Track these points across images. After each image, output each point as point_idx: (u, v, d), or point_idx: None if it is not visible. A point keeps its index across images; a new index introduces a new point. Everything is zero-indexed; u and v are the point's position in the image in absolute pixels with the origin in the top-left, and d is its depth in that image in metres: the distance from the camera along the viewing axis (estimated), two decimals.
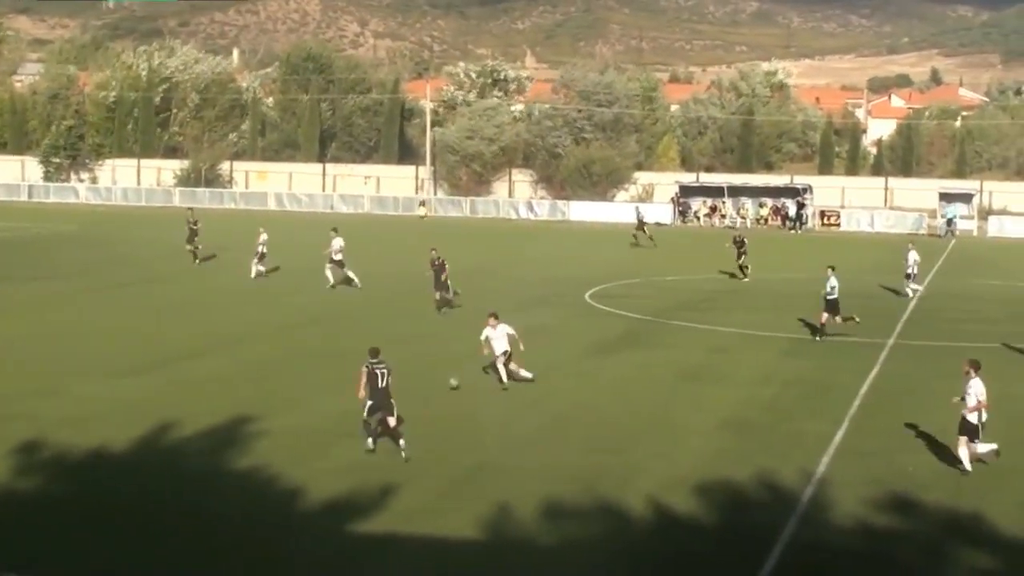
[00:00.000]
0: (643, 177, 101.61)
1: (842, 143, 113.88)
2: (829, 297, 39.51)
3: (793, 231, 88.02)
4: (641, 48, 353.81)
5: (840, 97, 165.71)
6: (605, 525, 21.21)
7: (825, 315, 39.53)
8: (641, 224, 73.25)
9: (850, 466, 24.83)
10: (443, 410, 28.90)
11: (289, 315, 43.41)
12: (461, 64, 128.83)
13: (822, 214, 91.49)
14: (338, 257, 50.13)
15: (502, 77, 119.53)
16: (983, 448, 24.77)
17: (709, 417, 28.76)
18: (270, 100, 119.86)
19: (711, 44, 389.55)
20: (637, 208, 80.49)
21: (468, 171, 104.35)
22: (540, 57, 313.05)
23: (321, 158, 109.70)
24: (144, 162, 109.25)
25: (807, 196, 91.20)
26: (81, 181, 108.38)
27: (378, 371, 25.23)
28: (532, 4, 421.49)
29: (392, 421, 25.03)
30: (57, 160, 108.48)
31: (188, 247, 57.46)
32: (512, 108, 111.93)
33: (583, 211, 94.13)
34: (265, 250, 52.79)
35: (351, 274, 49.93)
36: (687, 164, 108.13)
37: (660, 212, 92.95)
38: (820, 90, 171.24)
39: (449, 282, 44.36)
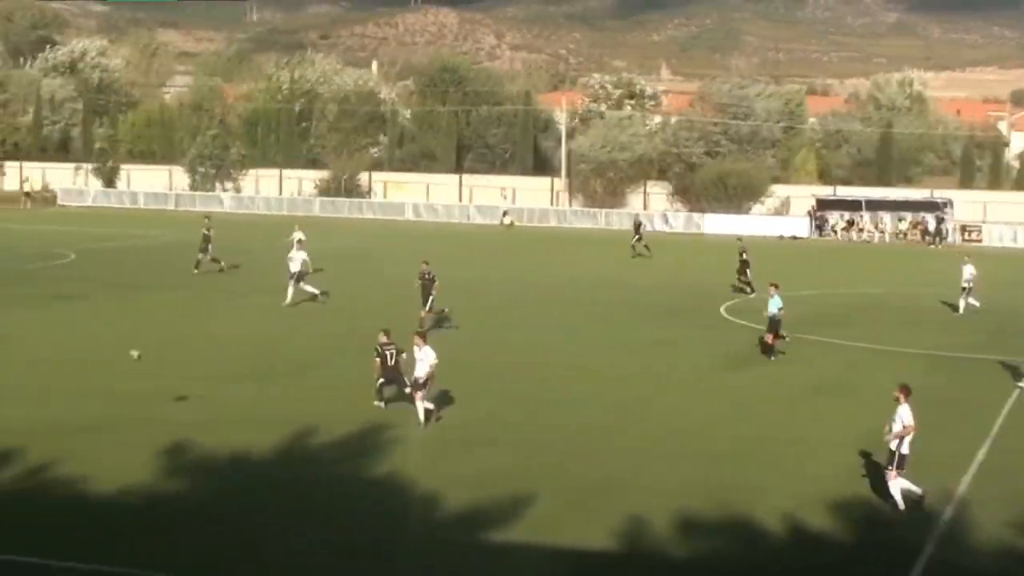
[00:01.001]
0: (779, 190, 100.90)
1: (984, 156, 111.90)
2: (773, 316, 38.59)
3: (933, 246, 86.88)
4: (778, 60, 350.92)
5: (982, 109, 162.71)
6: (737, 540, 21.20)
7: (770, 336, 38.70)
8: (638, 232, 72.84)
9: (992, 486, 24.45)
10: (568, 421, 29.09)
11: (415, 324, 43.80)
12: (596, 76, 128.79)
13: (963, 229, 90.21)
14: (296, 269, 47.93)
15: (637, 90, 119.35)
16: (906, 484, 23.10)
17: (842, 433, 28.55)
18: (408, 112, 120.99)
19: (849, 56, 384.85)
20: (636, 216, 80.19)
21: (603, 183, 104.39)
22: (675, 69, 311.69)
23: (457, 169, 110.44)
24: (286, 172, 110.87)
25: (947, 210, 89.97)
26: (225, 190, 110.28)
27: (387, 352, 29.55)
28: (668, 16, 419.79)
29: (407, 390, 28.82)
30: (202, 170, 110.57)
31: (199, 255, 56.83)
32: (647, 120, 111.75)
33: (718, 224, 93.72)
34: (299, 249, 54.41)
35: (310, 288, 48.14)
36: (824, 177, 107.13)
37: (796, 225, 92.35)
38: (961, 102, 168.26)
39: (434, 298, 42.60)
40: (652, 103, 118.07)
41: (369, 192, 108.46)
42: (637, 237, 72.18)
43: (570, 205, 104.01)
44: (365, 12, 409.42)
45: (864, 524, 22.19)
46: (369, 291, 52.93)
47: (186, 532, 21.04)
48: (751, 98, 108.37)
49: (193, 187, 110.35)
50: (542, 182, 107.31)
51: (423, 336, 29.57)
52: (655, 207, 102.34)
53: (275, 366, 35.37)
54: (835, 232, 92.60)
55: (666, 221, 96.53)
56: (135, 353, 30.91)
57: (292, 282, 47.49)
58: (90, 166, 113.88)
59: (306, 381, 33.24)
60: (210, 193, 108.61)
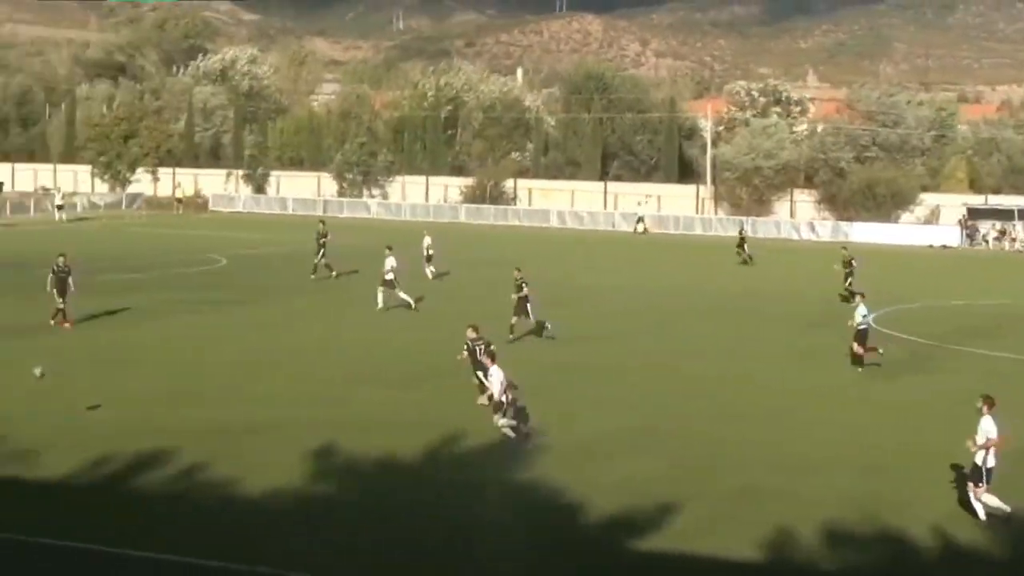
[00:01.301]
0: (929, 199, 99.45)
1: None
2: (859, 325, 37.62)
3: None
4: (927, 66, 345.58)
5: None
6: (887, 553, 20.95)
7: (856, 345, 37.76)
8: (742, 239, 72.25)
9: None
10: (713, 430, 28.98)
11: (569, 327, 43.85)
12: (742, 83, 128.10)
13: None
14: (389, 277, 48.11)
15: (783, 97, 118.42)
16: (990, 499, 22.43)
17: None
18: (552, 119, 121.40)
19: (1000, 62, 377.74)
20: (741, 223, 79.33)
21: (748, 190, 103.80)
22: (822, 76, 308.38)
23: (602, 176, 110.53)
24: (432, 179, 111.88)
25: None
26: (372, 197, 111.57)
27: (476, 347, 30.53)
28: (814, 23, 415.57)
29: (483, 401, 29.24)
30: (350, 176, 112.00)
31: (314, 260, 57.30)
32: (794, 128, 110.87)
33: (866, 232, 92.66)
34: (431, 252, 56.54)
35: (403, 295, 48.05)
36: (975, 186, 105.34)
37: (947, 235, 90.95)
38: None
39: (531, 306, 41.64)
40: (798, 110, 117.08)
41: (514, 199, 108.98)
42: (741, 243, 71.84)
43: (715, 213, 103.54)
44: (510, 20, 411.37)
45: (1018, 539, 21.84)
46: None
47: (333, 533, 21.36)
48: (901, 106, 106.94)
49: (341, 193, 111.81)
50: (687, 189, 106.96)
51: (491, 356, 28.68)
52: (801, 215, 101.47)
53: (415, 371, 35.72)
54: (986, 242, 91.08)
55: (812, 229, 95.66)
56: (37, 371, 30.68)
57: (384, 288, 47.69)
58: (240, 172, 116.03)
59: (446, 385, 33.51)
60: (357, 199, 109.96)
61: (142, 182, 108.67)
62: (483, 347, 30.37)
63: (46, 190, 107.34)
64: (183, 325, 43.52)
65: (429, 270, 58.32)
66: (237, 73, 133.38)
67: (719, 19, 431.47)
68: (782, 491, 24.23)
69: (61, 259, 42.68)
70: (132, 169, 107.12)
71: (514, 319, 41.17)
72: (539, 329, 41.74)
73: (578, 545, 21.06)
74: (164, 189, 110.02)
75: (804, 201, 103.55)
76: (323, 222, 59.33)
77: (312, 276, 56.59)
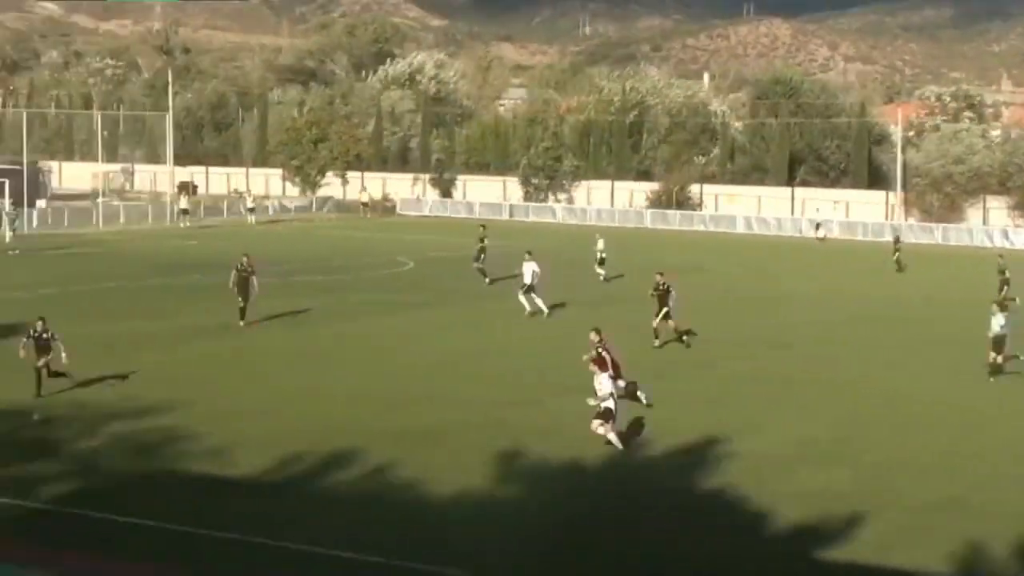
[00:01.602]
0: None
1: None
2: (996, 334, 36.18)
3: None
4: None
5: None
6: None
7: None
8: (897, 245, 70.89)
9: None
10: (903, 442, 28.49)
11: (753, 335, 43.70)
12: (933, 88, 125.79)
13: None
14: (529, 282, 47.53)
15: (976, 101, 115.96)
16: None
17: None
18: (739, 124, 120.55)
19: None
20: (896, 228, 77.43)
21: (939, 197, 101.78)
22: (1017, 81, 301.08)
23: (790, 182, 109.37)
24: (617, 184, 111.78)
25: None
26: (558, 201, 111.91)
27: (598, 350, 28.45)
28: (1009, 25, 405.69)
29: (621, 383, 28.21)
30: (536, 181, 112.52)
31: (475, 265, 56.96)
32: (987, 133, 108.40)
33: None
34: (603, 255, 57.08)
35: (539, 302, 47.36)
36: None
37: None
38: None
39: (671, 309, 40.74)
40: (991, 115, 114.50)
41: (700, 205, 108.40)
42: (896, 249, 70.53)
43: (906, 219, 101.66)
44: (697, 24, 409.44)
45: None
46: (701, 304, 52.88)
47: (520, 537, 21.51)
48: None
49: (527, 198, 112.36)
50: (877, 196, 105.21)
51: (600, 362, 27.35)
52: (995, 222, 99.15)
53: None
54: None
55: (1006, 236, 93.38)
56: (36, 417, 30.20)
57: (522, 293, 47.45)
58: (427, 176, 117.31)
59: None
60: (543, 204, 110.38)
61: (332, 186, 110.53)
62: (603, 350, 29.39)
63: (238, 193, 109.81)
64: (371, 327, 44.16)
65: (601, 273, 58.54)
66: (425, 78, 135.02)
67: (909, 22, 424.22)
68: (972, 503, 23.76)
69: (244, 259, 43.56)
70: (322, 173, 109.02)
71: (656, 322, 40.83)
72: (679, 336, 41.24)
73: (762, 556, 20.91)
74: (353, 193, 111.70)
75: (998, 208, 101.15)
76: (483, 227, 59.59)
77: (487, 282, 56.59)
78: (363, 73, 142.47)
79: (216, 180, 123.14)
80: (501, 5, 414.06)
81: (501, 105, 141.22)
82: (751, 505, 23.25)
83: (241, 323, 42.47)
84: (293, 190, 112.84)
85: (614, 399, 26.77)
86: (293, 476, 24.65)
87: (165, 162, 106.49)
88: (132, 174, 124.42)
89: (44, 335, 31.02)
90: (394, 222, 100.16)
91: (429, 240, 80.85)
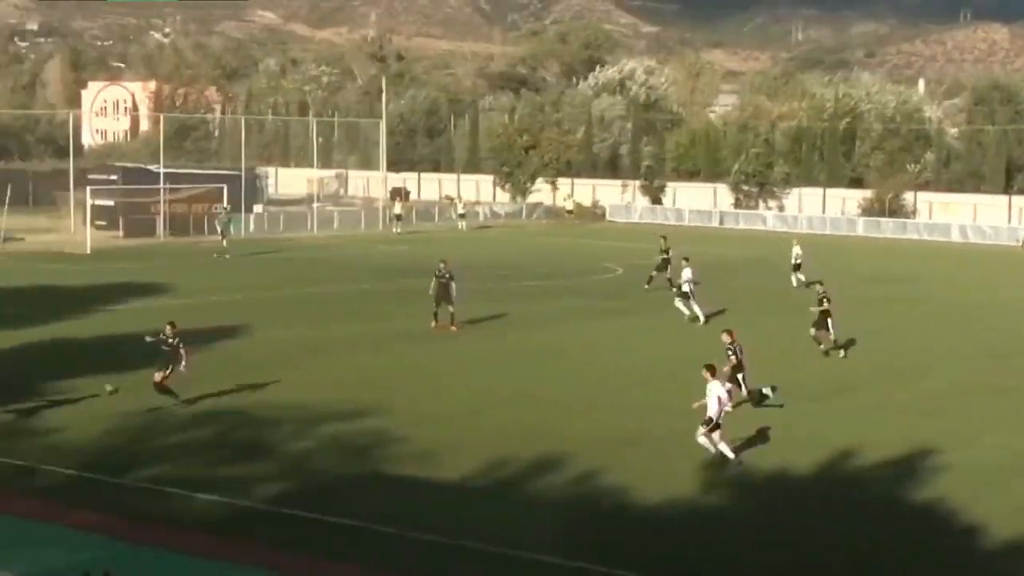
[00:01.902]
0: None
1: None
2: None
3: None
4: None
5: None
6: None
7: None
8: None
9: None
10: None
11: (968, 345, 42.69)
12: None
13: None
14: (686, 288, 47.52)
15: None
16: None
17: None
18: (954, 130, 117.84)
19: None
20: None
21: None
22: None
23: (1007, 190, 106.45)
24: (829, 191, 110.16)
25: None
26: (768, 209, 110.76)
27: (729, 350, 30.63)
28: None
29: (744, 391, 30.00)
30: (746, 188, 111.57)
31: (653, 273, 56.11)
32: None
33: None
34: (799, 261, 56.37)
35: (696, 308, 47.04)
36: None
37: None
38: None
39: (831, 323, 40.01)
40: None
41: (914, 212, 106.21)
42: None
43: None
44: (912, 29, 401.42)
45: None
46: (915, 314, 51.93)
47: (725, 546, 21.36)
48: None
49: (737, 205, 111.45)
50: None
51: (711, 369, 26.64)
52: None
53: (811, 384, 35.33)
54: None
55: None
56: (109, 387, 30.64)
57: (680, 298, 47.41)
58: (637, 183, 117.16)
59: (845, 402, 33.00)
60: (753, 211, 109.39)
61: (542, 192, 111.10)
62: (738, 351, 30.67)
63: (449, 199, 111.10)
64: (575, 332, 44.20)
65: (796, 279, 58.01)
66: (635, 84, 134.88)
67: None
68: None
69: (442, 265, 44.09)
70: (532, 179, 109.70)
71: (813, 331, 40.16)
72: (839, 347, 40.38)
73: (975, 573, 20.42)
74: (562, 199, 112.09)
75: None
76: (664, 238, 59.07)
77: (646, 287, 55.84)
78: (574, 80, 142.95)
79: (428, 186, 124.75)
80: (713, 11, 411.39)
81: (712, 111, 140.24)
82: (964, 519, 22.74)
83: (432, 325, 43.11)
84: (503, 196, 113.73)
85: (721, 407, 26.18)
86: (499, 480, 24.83)
87: (378, 168, 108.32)
88: (346, 180, 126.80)
89: (171, 341, 29.84)
90: (603, 228, 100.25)
91: (638, 247, 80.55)
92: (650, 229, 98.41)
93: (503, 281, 58.84)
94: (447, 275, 43.63)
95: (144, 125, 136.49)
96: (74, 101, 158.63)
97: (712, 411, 25.91)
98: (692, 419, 29.52)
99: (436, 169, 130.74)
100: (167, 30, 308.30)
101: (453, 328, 43.13)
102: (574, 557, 20.24)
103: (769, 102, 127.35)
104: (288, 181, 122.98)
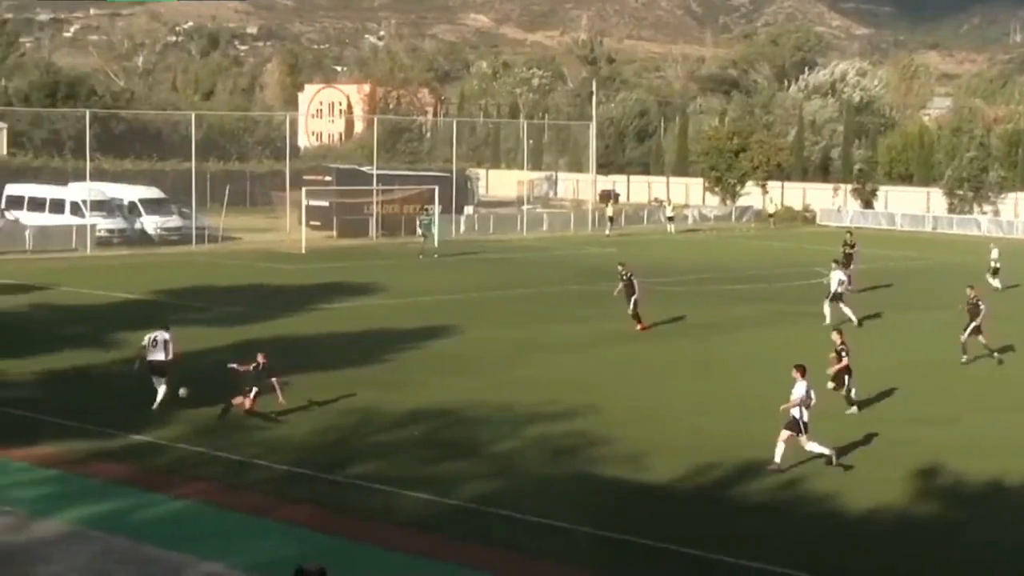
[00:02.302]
0: None
1: None
2: None
3: None
4: None
5: None
6: None
7: None
8: None
9: None
10: None
11: None
12: None
13: None
14: (837, 291, 46.86)
15: None
16: None
17: None
18: None
19: None
20: None
21: None
22: None
23: None
24: None
25: None
26: (984, 213, 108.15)
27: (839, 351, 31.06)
28: None
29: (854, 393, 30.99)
30: (960, 192, 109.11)
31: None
32: None
33: None
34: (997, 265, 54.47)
35: (848, 311, 46.44)
36: None
37: None
38: None
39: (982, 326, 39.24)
40: None
41: None
42: None
43: None
44: None
45: None
46: None
47: (939, 557, 21.07)
48: None
49: (951, 209, 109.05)
50: None
51: (801, 369, 26.20)
52: None
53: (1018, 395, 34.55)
54: None
55: None
56: (183, 391, 29.81)
57: (828, 301, 46.74)
58: (848, 187, 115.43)
59: None
60: (967, 216, 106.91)
61: (752, 195, 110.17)
62: (845, 351, 30.95)
63: (658, 202, 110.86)
64: (785, 336, 43.70)
65: (995, 283, 56.93)
66: (847, 86, 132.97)
67: None
68: None
69: (620, 267, 44.91)
70: (742, 183, 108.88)
71: (964, 337, 39.24)
72: (989, 352, 39.41)
73: None
74: (757, 201, 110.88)
75: None
76: (850, 232, 58.09)
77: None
78: (785, 82, 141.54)
79: (636, 189, 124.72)
80: (928, 13, 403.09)
81: (926, 115, 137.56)
82: None
83: (639, 327, 43.30)
84: (712, 199, 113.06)
85: (805, 408, 25.67)
86: (705, 484, 24.81)
87: (587, 170, 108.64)
88: (555, 182, 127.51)
89: (261, 371, 28.42)
90: (813, 232, 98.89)
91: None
92: (861, 233, 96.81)
93: (708, 284, 58.56)
94: (628, 276, 44.18)
95: (358, 127, 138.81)
96: (291, 103, 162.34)
97: (795, 411, 25.60)
98: (902, 428, 29.16)
99: (645, 172, 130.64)
100: (381, 33, 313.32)
101: (639, 327, 43.34)
102: (776, 563, 20.13)
103: (985, 105, 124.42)
104: (498, 183, 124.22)
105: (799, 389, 25.72)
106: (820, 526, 22.47)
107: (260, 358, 28.44)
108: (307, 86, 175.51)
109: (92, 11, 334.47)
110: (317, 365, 35.06)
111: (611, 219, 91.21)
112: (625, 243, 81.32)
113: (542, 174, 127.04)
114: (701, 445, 27.54)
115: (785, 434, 25.60)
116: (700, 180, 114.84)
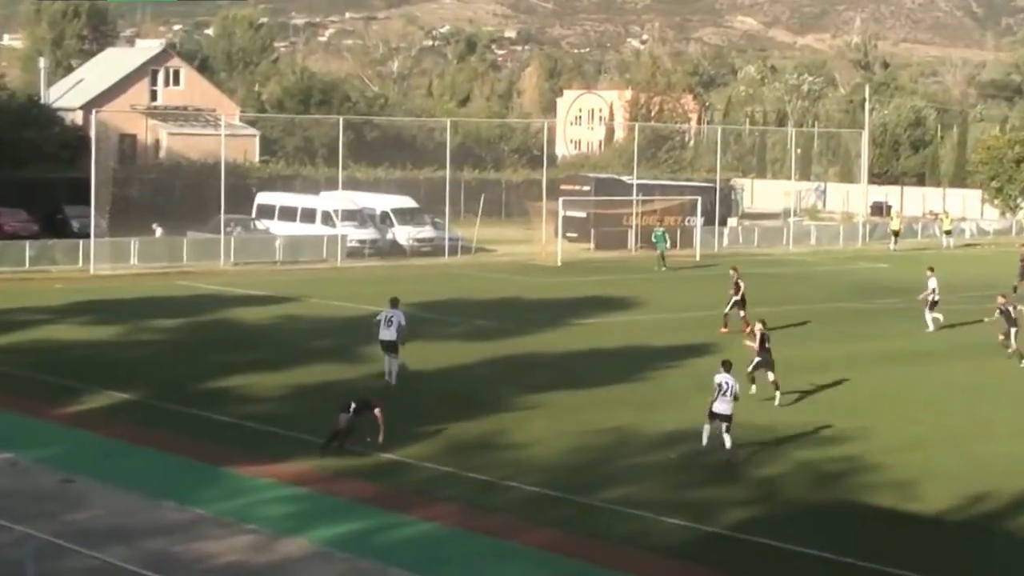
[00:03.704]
0: None
1: None
2: None
3: None
4: None
5: None
6: None
7: None
8: None
9: None
10: None
11: None
12: None
13: None
14: (933, 298, 46.50)
15: None
16: None
17: None
18: None
19: None
20: None
21: None
22: None
23: None
24: None
25: None
26: None
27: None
28: None
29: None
30: None
31: (1016, 281, 54.70)
32: None
33: None
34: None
35: (928, 317, 46.21)
36: None
37: None
38: None
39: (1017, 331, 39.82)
40: None
41: None
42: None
43: None
44: None
45: None
46: None
47: None
48: None
49: None
50: None
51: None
52: None
53: None
54: None
55: None
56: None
57: (927, 309, 46.42)
58: None
59: None
60: None
61: None
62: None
63: (934, 215, 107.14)
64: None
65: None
66: None
67: None
68: None
69: (733, 271, 46.70)
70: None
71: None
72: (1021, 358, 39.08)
73: None
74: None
75: None
76: None
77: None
78: None
79: (910, 200, 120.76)
80: None
81: None
82: None
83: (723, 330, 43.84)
84: (991, 212, 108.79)
85: None
86: (978, 514, 23.75)
87: (858, 181, 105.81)
88: (824, 193, 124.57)
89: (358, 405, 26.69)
90: None
91: None
92: None
93: (987, 303, 55.84)
94: (739, 282, 44.86)
95: (618, 134, 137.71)
96: (549, 110, 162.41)
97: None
98: None
99: (920, 183, 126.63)
100: (644, 37, 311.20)
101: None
102: None
103: None
104: (764, 194, 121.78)
105: None
106: None
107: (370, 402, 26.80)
108: (566, 92, 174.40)
109: (347, 15, 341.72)
110: (572, 383, 34.56)
111: (896, 233, 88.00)
112: (900, 258, 78.72)
113: (810, 185, 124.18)
114: (975, 473, 26.43)
115: None
116: (978, 192, 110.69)
